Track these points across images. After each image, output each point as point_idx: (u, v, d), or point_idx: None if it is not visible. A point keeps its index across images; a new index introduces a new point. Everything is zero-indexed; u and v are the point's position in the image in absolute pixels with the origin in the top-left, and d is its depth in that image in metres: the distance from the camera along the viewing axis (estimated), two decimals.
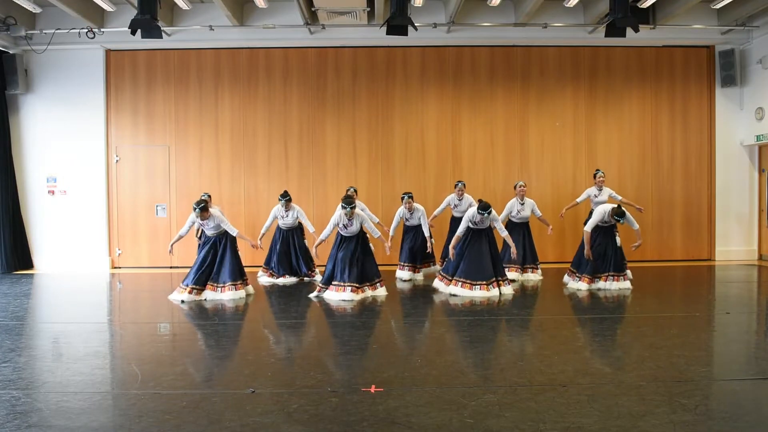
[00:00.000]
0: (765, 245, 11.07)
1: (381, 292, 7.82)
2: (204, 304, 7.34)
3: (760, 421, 3.64)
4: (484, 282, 7.66)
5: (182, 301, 7.45)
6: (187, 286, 7.57)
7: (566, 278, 8.55)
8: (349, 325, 6.39)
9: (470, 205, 8.89)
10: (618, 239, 8.10)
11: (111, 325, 6.54)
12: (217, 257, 7.70)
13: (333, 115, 11.00)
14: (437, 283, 8.20)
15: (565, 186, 10.94)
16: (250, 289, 8.03)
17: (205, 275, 7.65)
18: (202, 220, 7.52)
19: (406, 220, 9.11)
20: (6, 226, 10.40)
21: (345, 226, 7.62)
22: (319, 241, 7.73)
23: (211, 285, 7.66)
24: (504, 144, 11.06)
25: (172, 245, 7.82)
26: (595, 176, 9.08)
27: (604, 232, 8.08)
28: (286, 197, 8.91)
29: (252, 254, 10.87)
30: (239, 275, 7.79)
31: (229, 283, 7.64)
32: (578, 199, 9.24)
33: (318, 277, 8.93)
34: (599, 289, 7.99)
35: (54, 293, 8.86)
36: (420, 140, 11.04)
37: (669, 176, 11.10)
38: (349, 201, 7.48)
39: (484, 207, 7.56)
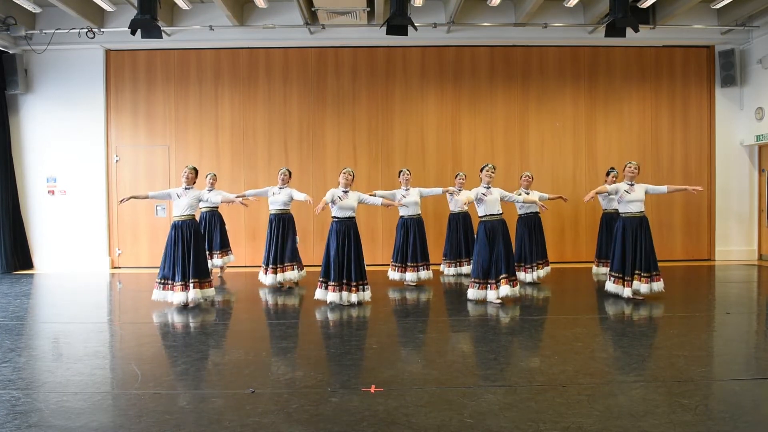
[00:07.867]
0: (765, 245, 11.07)
1: (364, 296, 7.24)
2: (202, 304, 7.33)
3: (760, 421, 3.64)
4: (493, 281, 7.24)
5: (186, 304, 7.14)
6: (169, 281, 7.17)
7: (609, 284, 7.56)
8: (349, 325, 6.39)
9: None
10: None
11: (111, 325, 6.53)
12: (186, 252, 7.22)
13: (333, 115, 11.00)
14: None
15: (565, 186, 10.92)
16: (213, 291, 7.49)
17: (184, 270, 7.15)
18: (188, 184, 7.26)
19: (402, 197, 8.29)
20: (6, 226, 10.40)
21: (340, 198, 7.00)
22: (305, 198, 7.63)
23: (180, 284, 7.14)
24: (504, 144, 11.06)
25: (129, 198, 7.44)
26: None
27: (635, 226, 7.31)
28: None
29: (253, 255, 10.91)
30: (205, 273, 7.32)
31: (195, 280, 7.16)
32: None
33: (295, 273, 8.50)
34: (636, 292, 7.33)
35: (54, 293, 8.85)
36: (420, 140, 11.04)
37: (669, 176, 11.09)
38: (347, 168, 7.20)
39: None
